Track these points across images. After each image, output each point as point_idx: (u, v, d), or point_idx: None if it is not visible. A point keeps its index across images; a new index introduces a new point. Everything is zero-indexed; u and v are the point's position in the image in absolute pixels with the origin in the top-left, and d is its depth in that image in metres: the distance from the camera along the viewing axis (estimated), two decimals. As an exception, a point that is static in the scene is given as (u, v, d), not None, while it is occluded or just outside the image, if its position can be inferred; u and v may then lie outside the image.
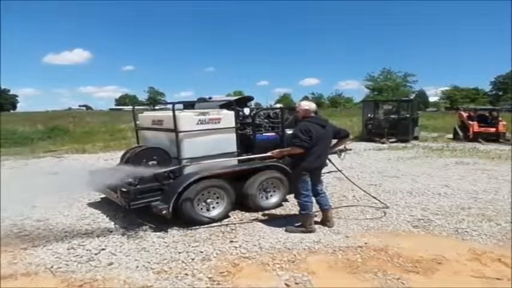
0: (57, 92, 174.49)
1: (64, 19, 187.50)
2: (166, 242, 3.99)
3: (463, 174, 7.66)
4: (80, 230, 4.47)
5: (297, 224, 4.37)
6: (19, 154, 11.55)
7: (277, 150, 4.40)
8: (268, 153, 4.46)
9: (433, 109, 58.41)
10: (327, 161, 4.68)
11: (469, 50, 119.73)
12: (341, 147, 4.98)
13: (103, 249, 3.85)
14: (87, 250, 3.82)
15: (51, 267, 3.46)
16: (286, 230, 4.28)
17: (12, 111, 76.89)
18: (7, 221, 4.81)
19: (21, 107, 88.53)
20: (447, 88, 67.60)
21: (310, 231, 4.21)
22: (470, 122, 14.53)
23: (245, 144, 5.12)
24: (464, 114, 15.40)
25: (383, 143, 13.68)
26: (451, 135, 15.44)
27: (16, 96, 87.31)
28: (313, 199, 4.38)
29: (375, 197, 5.45)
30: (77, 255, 3.69)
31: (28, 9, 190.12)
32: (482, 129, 14.25)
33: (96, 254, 3.72)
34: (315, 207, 4.30)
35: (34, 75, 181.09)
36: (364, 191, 5.51)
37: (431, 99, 71.12)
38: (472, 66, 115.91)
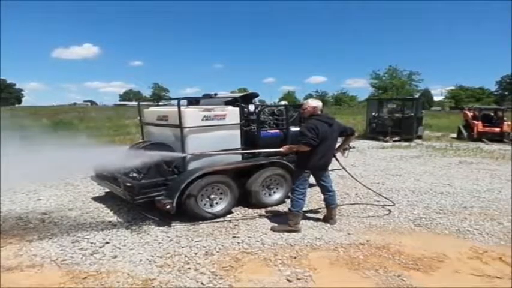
0: (65, 86, 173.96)
1: (75, 14, 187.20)
2: (169, 237, 4.03)
3: (466, 173, 7.65)
4: (85, 223, 4.52)
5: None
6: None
7: (286, 146, 4.43)
8: (279, 149, 4.48)
9: (437, 108, 58.06)
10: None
11: (476, 50, 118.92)
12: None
13: (107, 242, 3.90)
14: (91, 243, 3.87)
15: (56, 259, 3.51)
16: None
17: (17, 105, 77.14)
18: (13, 214, 4.88)
19: (27, 101, 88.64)
20: (452, 88, 67.25)
21: (295, 231, 4.15)
22: (475, 122, 14.45)
23: (249, 140, 5.13)
24: (469, 114, 15.32)
25: (386, 141, 13.66)
26: (455, 135, 15.36)
27: (21, 90, 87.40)
28: (322, 196, 4.44)
29: (380, 194, 5.47)
30: (81, 248, 3.75)
31: (38, 4, 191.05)
32: (486, 129, 14.18)
33: (100, 247, 3.77)
34: (318, 205, 4.31)
35: (42, 70, 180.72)
36: (369, 188, 5.52)
37: (436, 98, 70.59)
38: (478, 66, 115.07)
